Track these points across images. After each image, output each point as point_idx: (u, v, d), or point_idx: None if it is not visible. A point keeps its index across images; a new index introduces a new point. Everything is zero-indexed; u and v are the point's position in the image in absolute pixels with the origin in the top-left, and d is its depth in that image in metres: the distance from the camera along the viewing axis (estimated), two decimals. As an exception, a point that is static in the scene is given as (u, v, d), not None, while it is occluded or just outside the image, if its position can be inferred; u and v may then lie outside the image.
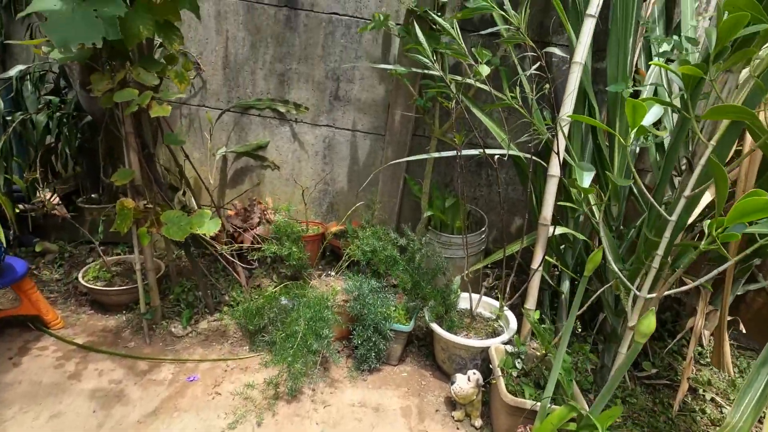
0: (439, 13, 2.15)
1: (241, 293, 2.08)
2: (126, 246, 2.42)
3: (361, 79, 2.44)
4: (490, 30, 1.45)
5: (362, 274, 1.98)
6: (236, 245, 1.95)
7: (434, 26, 2.14)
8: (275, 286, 2.17)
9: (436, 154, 1.81)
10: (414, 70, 1.86)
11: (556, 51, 1.46)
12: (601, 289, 1.54)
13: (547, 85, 1.38)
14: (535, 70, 1.33)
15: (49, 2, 1.23)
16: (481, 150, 1.62)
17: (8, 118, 1.90)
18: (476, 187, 2.57)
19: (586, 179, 1.26)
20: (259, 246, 1.90)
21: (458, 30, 1.58)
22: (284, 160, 2.61)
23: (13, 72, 1.92)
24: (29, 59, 2.48)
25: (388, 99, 2.43)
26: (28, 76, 1.95)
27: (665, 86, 1.89)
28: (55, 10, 1.22)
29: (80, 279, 1.92)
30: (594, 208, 1.67)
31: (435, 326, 1.77)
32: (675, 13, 2.19)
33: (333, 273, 2.10)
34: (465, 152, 1.62)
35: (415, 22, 1.73)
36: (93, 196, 2.50)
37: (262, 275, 2.25)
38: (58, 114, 1.96)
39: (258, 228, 2.38)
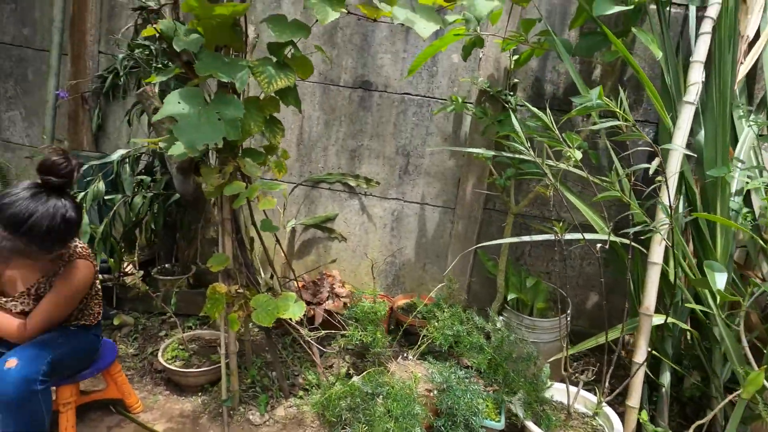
0: (511, 93, 2.20)
1: (316, 375, 2.01)
2: (197, 319, 2.42)
3: (431, 154, 2.47)
4: (607, 125, 1.41)
5: (445, 361, 1.89)
6: (323, 332, 1.90)
7: (506, 105, 2.18)
8: (348, 367, 2.09)
9: (528, 238, 1.76)
10: (504, 154, 1.86)
11: (687, 151, 1.42)
12: (731, 397, 1.38)
13: (661, 178, 1.33)
14: (656, 167, 1.29)
15: (178, 107, 1.31)
16: (582, 236, 1.55)
17: (107, 198, 2.00)
18: (549, 261, 2.48)
19: (720, 281, 1.17)
20: (343, 333, 1.85)
21: (551, 117, 1.58)
22: (352, 232, 2.62)
23: (115, 156, 2.05)
24: (120, 138, 2.67)
25: (459, 173, 2.44)
26: (127, 159, 2.07)
27: (755, 162, 1.82)
28: (184, 114, 1.29)
29: (160, 359, 1.91)
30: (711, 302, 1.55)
31: (532, 426, 1.62)
32: (756, 88, 2.16)
33: (411, 357, 2.01)
34: (567, 237, 1.56)
35: (511, 111, 1.77)
36: (167, 266, 2.56)
37: (334, 354, 2.19)
38: (150, 194, 2.05)
39: (327, 302, 2.34)
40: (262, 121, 1.49)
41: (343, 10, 1.39)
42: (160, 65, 2.14)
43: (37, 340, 1.34)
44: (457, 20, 1.70)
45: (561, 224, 1.51)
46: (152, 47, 2.18)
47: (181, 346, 2.01)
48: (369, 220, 2.59)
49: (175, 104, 1.31)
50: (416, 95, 2.43)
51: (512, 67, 2.18)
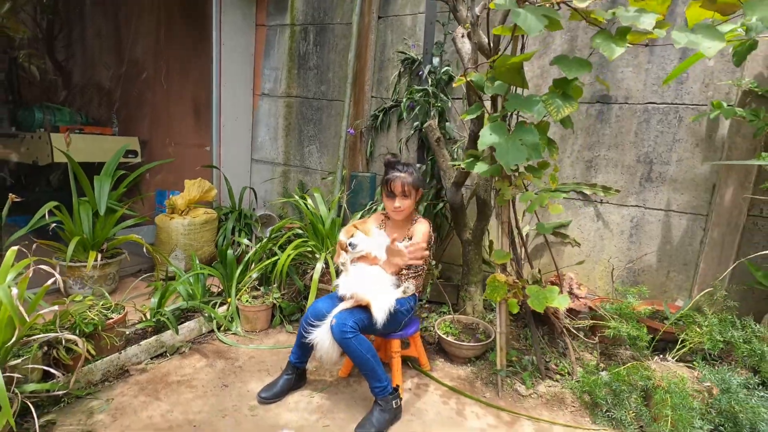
0: (787, 91, 2.05)
1: (569, 363, 2.24)
2: (445, 306, 2.93)
3: (678, 161, 2.46)
4: None
5: (711, 367, 1.90)
6: (589, 322, 2.15)
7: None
8: (596, 361, 2.26)
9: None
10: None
11: None
12: None
13: None
14: None
15: (491, 138, 1.75)
16: None
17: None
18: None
19: None
20: (607, 325, 2.06)
21: None
22: (585, 238, 2.78)
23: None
24: (381, 162, 3.42)
25: (715, 179, 2.36)
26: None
27: None
28: (497, 142, 1.73)
29: (438, 331, 2.43)
30: None
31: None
32: None
33: (670, 358, 2.07)
34: None
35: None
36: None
37: (581, 348, 2.39)
38: (424, 203, 2.64)
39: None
40: (546, 142, 1.84)
41: (629, 45, 1.64)
42: (436, 104, 2.75)
43: (350, 310, 1.89)
44: (732, 32, 1.75)
45: None
46: (429, 90, 2.80)
47: (451, 325, 2.51)
48: (605, 226, 2.71)
49: (488, 136, 1.76)
50: (662, 104, 2.47)
51: (790, 63, 2.04)
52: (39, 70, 4.63)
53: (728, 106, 2.17)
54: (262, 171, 4.09)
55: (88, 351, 1.85)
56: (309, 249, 2.75)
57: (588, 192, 2.71)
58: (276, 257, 2.73)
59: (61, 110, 4.24)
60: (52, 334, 1.64)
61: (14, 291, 1.40)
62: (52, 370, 1.59)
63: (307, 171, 3.85)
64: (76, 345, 1.75)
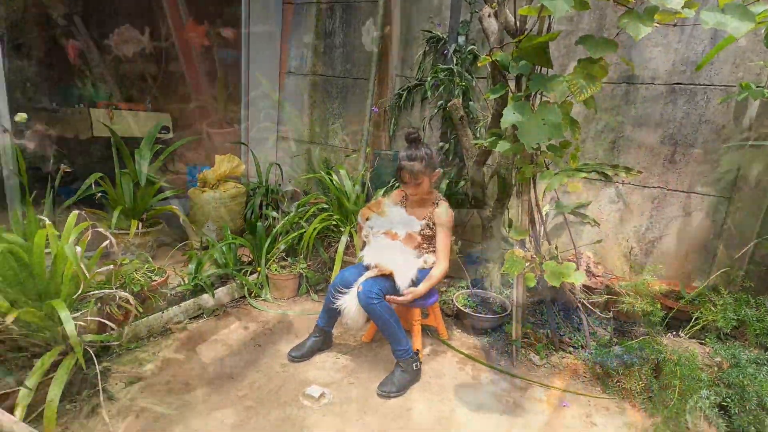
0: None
1: (582, 337, 2.33)
2: (464, 281, 3.04)
3: (703, 142, 2.46)
4: None
5: (723, 343, 1.96)
6: (603, 297, 2.23)
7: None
8: (610, 336, 2.34)
9: None
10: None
11: None
12: None
13: None
14: None
15: (514, 117, 1.80)
16: None
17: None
18: None
19: None
20: (622, 301, 2.13)
21: None
22: (605, 218, 2.81)
23: (423, 153, 2.80)
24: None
25: (740, 161, 2.36)
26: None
27: None
28: (520, 122, 1.79)
29: (456, 304, 2.54)
30: None
31: None
32: None
33: (682, 335, 2.13)
34: None
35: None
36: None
37: (595, 324, 2.47)
38: (446, 180, 2.72)
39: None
40: (568, 122, 1.88)
41: (656, 25, 1.65)
42: (460, 83, 2.80)
43: (375, 279, 2.03)
44: (764, 13, 1.73)
45: None
46: (454, 69, 2.84)
47: (469, 298, 2.62)
48: (625, 207, 2.74)
49: (511, 114, 1.82)
50: (689, 84, 2.45)
51: (826, 44, 2.00)
52: (76, 47, 4.81)
53: (757, 87, 2.15)
54: (288, 148, 4.21)
55: (136, 308, 2.04)
56: (334, 223, 2.88)
57: (610, 173, 2.72)
58: (302, 230, 2.87)
59: (98, 86, 4.42)
60: (108, 291, 1.82)
61: (78, 249, 1.56)
62: (107, 322, 1.77)
63: (331, 148, 3.95)
64: (128, 302, 1.93)
